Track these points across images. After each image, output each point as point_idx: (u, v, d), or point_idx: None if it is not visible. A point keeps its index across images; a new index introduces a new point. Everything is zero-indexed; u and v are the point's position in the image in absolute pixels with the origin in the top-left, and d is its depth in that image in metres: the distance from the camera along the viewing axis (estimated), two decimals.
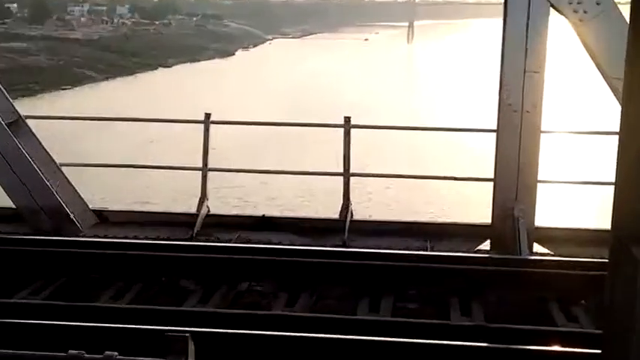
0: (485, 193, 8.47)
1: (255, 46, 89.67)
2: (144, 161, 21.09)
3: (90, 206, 8.92)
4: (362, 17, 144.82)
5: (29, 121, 8.95)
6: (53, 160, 8.85)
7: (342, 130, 8.66)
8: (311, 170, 13.28)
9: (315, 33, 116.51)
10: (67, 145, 19.04)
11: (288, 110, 31.40)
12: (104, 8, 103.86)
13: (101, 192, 18.05)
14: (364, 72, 56.30)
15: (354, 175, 8.78)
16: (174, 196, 19.34)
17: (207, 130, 8.80)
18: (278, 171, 14.34)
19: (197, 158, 8.91)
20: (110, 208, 9.26)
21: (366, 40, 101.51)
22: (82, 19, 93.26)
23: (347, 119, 8.65)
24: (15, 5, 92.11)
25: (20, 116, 8.86)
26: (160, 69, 61.96)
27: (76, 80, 52.41)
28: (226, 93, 43.17)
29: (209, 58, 71.88)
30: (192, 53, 71.57)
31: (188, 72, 60.85)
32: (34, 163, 8.52)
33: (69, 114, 23.04)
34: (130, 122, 19.36)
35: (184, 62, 67.15)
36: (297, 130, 20.59)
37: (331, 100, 36.07)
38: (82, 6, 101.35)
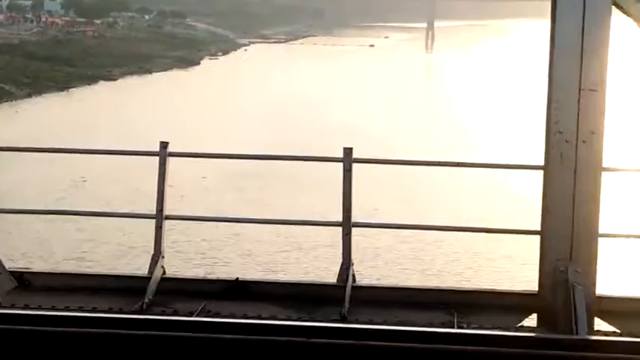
0: (530, 250, 8.48)
1: (225, 53, 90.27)
2: (78, 205, 21.05)
3: (7, 266, 8.88)
4: (366, 16, 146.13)
5: None
6: None
7: (340, 165, 8.68)
8: (300, 219, 13.30)
9: (305, 36, 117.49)
10: None
11: (267, 142, 31.50)
12: (29, 2, 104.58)
13: (22, 246, 18.00)
14: (369, 92, 56.66)
15: (356, 225, 8.79)
16: (119, 251, 19.29)
17: (163, 165, 8.80)
18: (256, 219, 14.34)
19: (149, 201, 8.91)
20: (33, 269, 9.23)
21: (371, 46, 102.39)
22: (0, 16, 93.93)
23: (347, 151, 8.67)
24: None
25: None
26: (101, 82, 62.29)
27: None
28: (186, 117, 43.35)
29: (165, 69, 72.27)
30: (143, 62, 71.92)
31: (137, 87, 61.19)
32: None
33: None
34: (59, 154, 19.39)
35: (132, 74, 67.53)
36: (282, 166, 20.65)
37: (325, 129, 36.24)
38: None
